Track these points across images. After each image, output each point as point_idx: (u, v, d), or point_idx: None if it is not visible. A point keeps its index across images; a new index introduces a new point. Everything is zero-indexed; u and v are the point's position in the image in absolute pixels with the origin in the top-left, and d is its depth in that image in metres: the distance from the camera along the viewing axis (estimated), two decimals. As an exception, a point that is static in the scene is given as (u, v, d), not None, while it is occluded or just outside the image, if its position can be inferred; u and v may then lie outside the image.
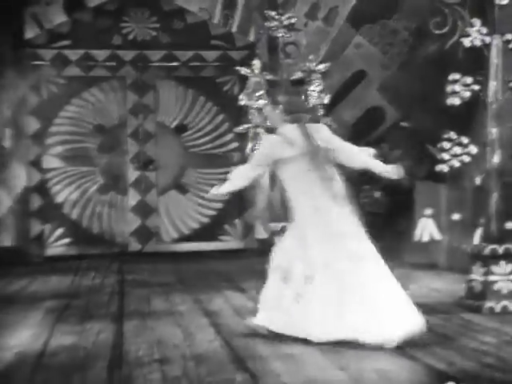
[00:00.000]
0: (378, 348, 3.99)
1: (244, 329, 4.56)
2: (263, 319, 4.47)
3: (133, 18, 9.40)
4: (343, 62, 9.19)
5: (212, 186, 9.10)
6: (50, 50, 9.20)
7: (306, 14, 8.89)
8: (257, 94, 7.70)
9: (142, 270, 7.88)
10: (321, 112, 7.71)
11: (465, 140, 5.96)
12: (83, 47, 9.24)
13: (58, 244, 9.16)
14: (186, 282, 6.91)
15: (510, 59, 5.53)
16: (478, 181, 6.94)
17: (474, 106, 6.14)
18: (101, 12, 9.24)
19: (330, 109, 8.00)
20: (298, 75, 7.79)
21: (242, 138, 8.35)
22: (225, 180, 4.98)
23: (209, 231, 9.58)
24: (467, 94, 5.75)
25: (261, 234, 9.27)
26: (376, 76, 9.35)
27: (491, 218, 5.36)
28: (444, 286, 6.19)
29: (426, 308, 5.18)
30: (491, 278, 5.19)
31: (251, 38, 9.52)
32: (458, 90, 5.86)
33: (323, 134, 4.72)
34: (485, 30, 5.56)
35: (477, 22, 5.63)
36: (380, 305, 4.22)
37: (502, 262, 5.24)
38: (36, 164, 9.15)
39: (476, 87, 5.70)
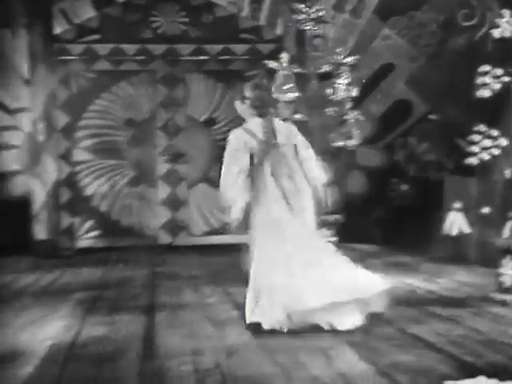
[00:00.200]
0: (403, 340, 4.00)
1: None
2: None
3: (162, 12, 9.43)
4: (371, 54, 9.14)
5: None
6: (79, 44, 9.29)
7: (333, 6, 8.84)
8: (285, 88, 7.70)
9: (171, 262, 7.93)
10: (349, 105, 7.70)
11: (494, 132, 5.92)
12: (112, 41, 9.30)
13: (87, 236, 9.25)
14: (216, 274, 6.95)
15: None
16: (507, 174, 6.89)
17: (505, 97, 6.09)
18: (130, 6, 9.29)
19: (357, 102, 7.98)
20: (326, 68, 7.79)
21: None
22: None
23: (240, 224, 9.59)
24: (497, 86, 5.70)
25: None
26: (404, 68, 9.29)
27: (521, 212, 5.32)
28: (473, 280, 6.14)
29: (455, 302, 5.19)
30: (521, 271, 5.16)
31: (279, 31, 9.50)
32: (488, 81, 5.81)
33: (288, 130, 4.79)
34: (515, 21, 5.51)
35: (506, 12, 5.57)
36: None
37: (532, 256, 5.20)
38: (66, 157, 9.25)
39: (506, 79, 5.65)
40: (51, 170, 9.00)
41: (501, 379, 3.24)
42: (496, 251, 5.47)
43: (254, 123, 4.77)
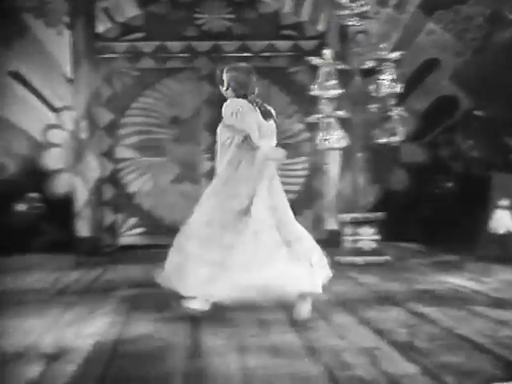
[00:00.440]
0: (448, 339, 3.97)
1: (318, 320, 4.60)
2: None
3: (207, 9, 9.48)
4: (415, 49, 9.09)
5: (284, 176, 9.29)
6: (122, 42, 9.40)
7: (377, 1, 8.80)
8: (328, 84, 7.69)
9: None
10: (392, 101, 7.66)
11: (544, 129, 5.82)
12: (157, 39, 9.39)
13: (130, 234, 9.38)
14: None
15: None
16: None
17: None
18: (174, 4, 9.37)
19: (401, 98, 7.94)
20: (369, 64, 7.75)
21: (314, 128, 8.35)
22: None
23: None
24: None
25: (331, 224, 9.28)
26: (449, 64, 9.22)
27: None
28: (521, 279, 6.08)
29: (502, 302, 5.12)
30: None
31: (322, 27, 9.48)
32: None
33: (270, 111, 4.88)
34: None
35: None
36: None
37: None
38: (109, 155, 9.38)
39: (556, 75, 5.55)
40: (94, 167, 9.13)
41: (551, 382, 3.20)
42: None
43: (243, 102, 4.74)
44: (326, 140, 7.81)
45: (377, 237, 7.59)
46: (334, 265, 7.26)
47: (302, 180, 9.73)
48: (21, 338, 4.29)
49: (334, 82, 7.71)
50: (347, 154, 8.40)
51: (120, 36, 9.41)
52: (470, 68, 9.18)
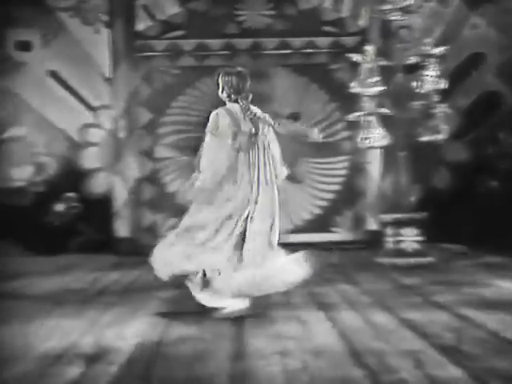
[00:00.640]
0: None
1: (360, 323, 4.63)
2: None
3: (247, 6, 9.53)
4: (459, 44, 9.03)
5: (324, 175, 9.30)
6: (162, 40, 9.49)
7: (420, -6, 8.78)
8: (370, 81, 7.68)
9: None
10: (436, 98, 7.62)
11: None
12: (197, 37, 9.46)
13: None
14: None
15: None
16: None
17: None
18: (214, 0, 9.43)
19: (445, 95, 7.89)
20: (413, 60, 7.72)
21: (354, 126, 8.35)
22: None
23: (321, 222, 9.65)
24: None
25: (372, 225, 9.27)
26: (494, 58, 9.14)
27: None
28: None
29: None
30: None
31: (363, 22, 9.47)
32: None
33: (264, 119, 5.07)
34: None
35: None
36: None
37: None
38: (148, 154, 9.48)
39: None
40: (133, 166, 9.24)
41: None
42: None
43: (234, 108, 5.04)
44: (366, 139, 7.80)
45: (419, 238, 7.56)
46: (376, 266, 7.34)
47: (341, 180, 9.73)
48: (61, 338, 4.38)
49: (375, 78, 7.69)
50: (389, 152, 8.37)
51: (160, 34, 9.50)
52: (514, 63, 9.11)
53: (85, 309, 5.38)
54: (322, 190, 9.66)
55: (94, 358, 3.89)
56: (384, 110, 7.79)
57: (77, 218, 9.34)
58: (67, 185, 9.35)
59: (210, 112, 5.16)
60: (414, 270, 7.13)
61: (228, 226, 4.95)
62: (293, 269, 4.97)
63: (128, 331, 4.55)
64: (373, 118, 7.75)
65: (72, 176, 9.37)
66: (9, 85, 9.30)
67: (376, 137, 7.77)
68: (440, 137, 7.70)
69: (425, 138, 7.71)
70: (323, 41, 9.59)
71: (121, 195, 9.21)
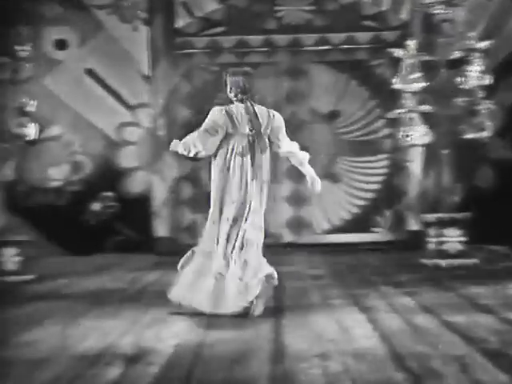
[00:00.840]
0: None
1: (402, 326, 4.64)
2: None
3: (287, 1, 9.56)
4: (504, 38, 8.96)
5: (363, 174, 9.31)
6: (202, 37, 9.57)
7: (463, -13, 8.72)
8: (411, 77, 7.66)
9: (296, 261, 8.10)
10: (481, 94, 7.57)
11: None
12: (237, 33, 9.52)
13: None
14: (340, 275, 7.05)
15: None
16: None
17: None
18: (255, -4, 9.49)
19: (490, 90, 7.84)
20: (456, 55, 7.68)
21: (395, 123, 8.34)
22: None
23: (360, 222, 9.65)
24: None
25: (413, 225, 9.23)
26: (541, 52, 9.05)
27: None
28: None
29: None
30: None
31: (405, 16, 9.43)
32: None
33: (268, 118, 5.28)
34: None
35: None
36: None
37: None
38: (188, 152, 9.57)
39: None
40: (172, 165, 9.31)
41: None
42: None
43: (236, 108, 5.24)
44: (408, 136, 7.78)
45: (463, 238, 7.53)
46: (418, 268, 7.32)
47: (382, 178, 9.72)
48: (100, 339, 4.46)
49: (417, 74, 7.68)
50: (431, 150, 8.35)
51: (199, 31, 9.57)
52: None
53: (123, 309, 5.46)
54: (361, 189, 9.66)
55: (134, 359, 3.94)
56: (426, 107, 7.77)
57: (114, 217, 9.47)
58: (104, 184, 9.47)
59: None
60: (457, 271, 7.10)
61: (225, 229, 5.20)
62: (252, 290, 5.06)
63: (168, 332, 4.61)
64: (414, 115, 7.74)
65: (109, 175, 9.49)
66: (46, 83, 9.45)
67: (418, 134, 7.75)
68: (484, 134, 7.66)
69: (468, 136, 7.67)
70: (363, 36, 9.59)
71: (160, 194, 9.30)
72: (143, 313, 5.27)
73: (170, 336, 4.49)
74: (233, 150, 5.20)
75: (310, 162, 9.51)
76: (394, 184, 9.66)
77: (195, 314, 5.14)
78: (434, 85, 7.76)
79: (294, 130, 9.65)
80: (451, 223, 7.57)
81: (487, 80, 7.56)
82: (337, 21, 9.55)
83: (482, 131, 7.65)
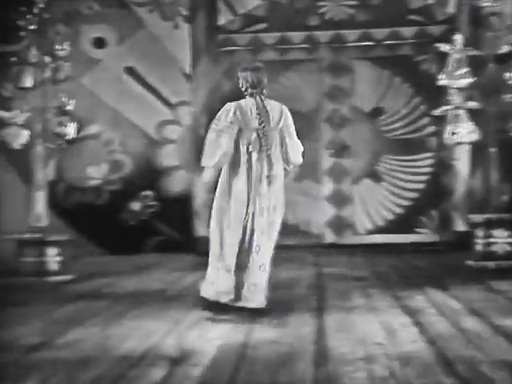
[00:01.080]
0: None
1: (449, 329, 4.63)
2: None
3: (330, -4, 9.58)
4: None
5: (407, 173, 9.27)
6: (244, 34, 9.62)
7: (512, -22, 8.62)
8: (458, 73, 7.62)
9: (338, 262, 8.12)
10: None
11: None
12: (279, 30, 9.55)
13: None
14: (384, 276, 7.05)
15: None
16: None
17: None
18: (298, -8, 9.53)
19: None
20: (505, 49, 7.62)
21: (441, 121, 8.30)
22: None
23: (404, 223, 9.62)
24: None
25: (459, 226, 9.17)
26: None
27: None
28: None
29: None
30: None
31: (452, 9, 9.36)
32: None
33: (279, 113, 5.45)
34: None
35: None
36: None
37: None
38: (226, 151, 9.63)
39: None
40: (213, 164, 9.38)
41: None
42: None
43: (246, 103, 5.40)
44: (454, 134, 7.75)
45: (510, 240, 7.47)
46: (465, 270, 7.28)
47: (427, 178, 9.67)
48: (142, 339, 4.53)
49: (464, 69, 7.63)
50: (478, 148, 8.30)
51: (241, 28, 9.63)
52: None
53: (165, 310, 5.54)
54: (405, 189, 9.63)
55: (178, 360, 4.00)
56: (473, 104, 7.72)
57: (154, 217, 9.57)
58: (144, 183, 9.58)
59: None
60: (506, 273, 7.04)
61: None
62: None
63: (211, 333, 4.67)
64: (461, 112, 7.69)
65: (149, 174, 9.59)
66: (84, 82, 9.58)
67: (464, 132, 7.71)
68: (534, 131, 7.59)
69: (517, 133, 7.61)
70: (408, 31, 9.55)
71: (200, 194, 9.37)
72: (185, 313, 5.34)
73: (213, 337, 4.55)
74: (242, 145, 5.33)
75: (354, 161, 9.61)
76: (439, 183, 9.61)
77: (237, 315, 5.19)
78: (482, 80, 7.70)
79: (336, 127, 9.71)
80: (499, 224, 7.52)
81: (537, 76, 7.50)
82: (380, 15, 9.52)
83: (532, 128, 7.59)
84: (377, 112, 9.67)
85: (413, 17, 9.55)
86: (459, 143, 8.21)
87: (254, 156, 5.32)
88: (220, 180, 5.37)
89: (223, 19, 9.62)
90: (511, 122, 7.64)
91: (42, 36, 7.47)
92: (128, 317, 5.31)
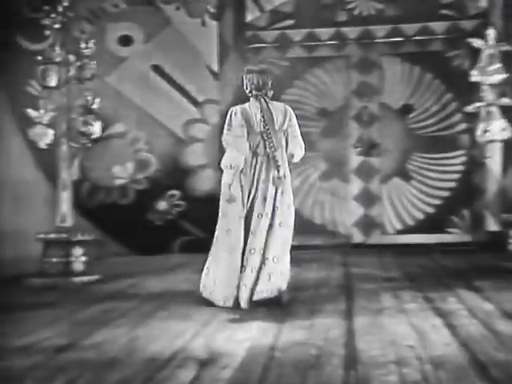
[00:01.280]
0: None
1: (483, 332, 4.60)
2: None
3: (358, -9, 9.56)
4: None
5: (438, 172, 9.23)
6: (271, 31, 9.64)
7: (547, -30, 8.58)
8: (491, 69, 7.58)
9: (366, 263, 8.10)
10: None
11: None
12: (307, 26, 9.56)
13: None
14: (414, 277, 7.02)
15: None
16: None
17: None
18: (325, -13, 9.52)
19: None
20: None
21: (473, 118, 8.25)
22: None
23: (434, 222, 9.57)
24: None
25: (492, 226, 9.12)
26: None
27: None
28: None
29: None
30: None
31: (484, 3, 9.30)
32: None
33: (283, 115, 5.57)
34: None
35: None
36: None
37: None
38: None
39: None
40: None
41: None
42: None
43: (250, 106, 5.57)
44: (487, 131, 7.71)
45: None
46: (498, 271, 7.23)
47: (458, 176, 9.62)
48: (169, 341, 4.55)
49: (497, 65, 7.60)
50: (511, 146, 8.24)
51: (269, 24, 9.64)
52: None
53: (192, 311, 5.56)
54: (436, 188, 9.58)
55: (206, 362, 4.02)
56: (506, 100, 7.68)
57: (180, 216, 9.61)
58: (170, 182, 9.62)
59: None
60: (542, 275, 6.99)
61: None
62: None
63: (239, 335, 4.69)
64: (494, 109, 7.66)
65: (176, 173, 9.63)
66: (110, 80, 9.65)
67: (497, 129, 7.68)
68: None
69: (552, 131, 7.55)
70: (439, 25, 9.49)
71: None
72: (213, 315, 5.36)
73: (241, 338, 4.57)
74: (248, 148, 5.50)
75: (383, 159, 9.57)
76: (471, 182, 9.55)
77: (265, 316, 5.22)
78: (515, 76, 7.66)
79: (365, 125, 9.68)
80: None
81: None
82: (410, 10, 9.48)
83: None
84: (406, 109, 9.63)
85: (444, 11, 9.49)
86: (491, 141, 8.18)
87: (260, 159, 5.50)
88: (223, 182, 5.63)
89: (250, 16, 9.64)
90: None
91: (67, 35, 7.52)
92: (155, 318, 5.34)
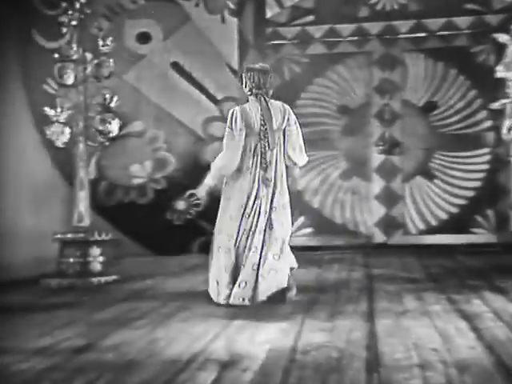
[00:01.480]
0: None
1: (509, 335, 4.58)
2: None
3: (380, -14, 9.55)
4: None
5: (462, 170, 9.21)
6: (292, 27, 9.64)
7: None
8: (516, 65, 7.53)
9: (388, 263, 8.08)
10: None
11: None
12: (327, 22, 9.55)
13: (299, 234, 9.60)
14: (437, 278, 7.00)
15: None
16: None
17: None
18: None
19: None
20: None
21: (498, 115, 8.21)
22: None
23: (458, 222, 9.54)
24: None
25: (517, 226, 9.09)
26: None
27: None
28: None
29: None
30: None
31: (510, -4, 9.26)
32: None
33: (283, 114, 5.64)
34: None
35: None
36: None
37: None
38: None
39: None
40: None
41: None
42: None
43: (251, 106, 5.62)
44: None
45: None
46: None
47: (483, 175, 9.58)
48: (189, 342, 4.57)
49: (523, 62, 7.54)
50: (538, 144, 8.19)
51: (289, 21, 9.65)
52: None
53: (212, 312, 5.57)
54: (460, 187, 9.54)
55: (227, 365, 4.03)
56: (532, 98, 7.63)
57: (200, 216, 9.62)
58: (189, 181, 9.64)
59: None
60: None
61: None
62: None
63: (260, 337, 4.70)
64: (520, 106, 7.60)
65: (195, 172, 9.63)
66: (128, 78, 9.69)
67: (523, 127, 7.62)
68: None
69: None
70: (464, 20, 9.45)
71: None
72: (233, 316, 5.37)
73: (262, 341, 4.57)
74: (246, 147, 5.60)
75: (405, 158, 9.55)
76: (496, 181, 9.50)
77: (285, 318, 5.22)
78: (542, 73, 7.60)
79: (387, 123, 9.66)
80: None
81: None
82: (434, 5, 9.45)
83: None
84: (430, 106, 9.60)
85: (469, 5, 9.44)
86: (517, 139, 8.12)
87: (258, 158, 5.58)
88: (204, 182, 6.00)
89: (270, 12, 9.65)
90: None
91: (84, 32, 7.56)
92: (175, 319, 5.36)
